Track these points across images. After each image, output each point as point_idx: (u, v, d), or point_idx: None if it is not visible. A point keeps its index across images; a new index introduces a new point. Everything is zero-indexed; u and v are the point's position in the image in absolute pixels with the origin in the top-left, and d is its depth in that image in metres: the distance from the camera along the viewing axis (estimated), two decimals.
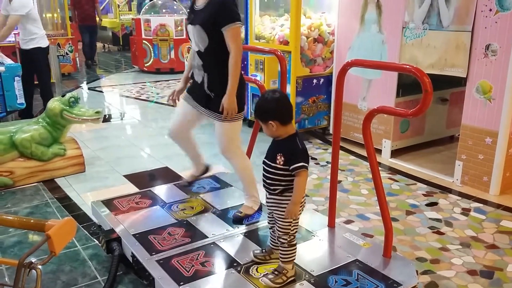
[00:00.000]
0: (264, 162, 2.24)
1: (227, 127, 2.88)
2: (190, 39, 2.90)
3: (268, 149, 2.25)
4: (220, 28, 2.68)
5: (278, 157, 2.14)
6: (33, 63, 5.46)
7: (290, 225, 2.23)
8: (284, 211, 2.18)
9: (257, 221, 2.94)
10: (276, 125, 2.14)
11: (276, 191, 2.20)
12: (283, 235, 2.24)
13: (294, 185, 2.14)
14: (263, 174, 2.25)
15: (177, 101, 3.17)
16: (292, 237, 2.26)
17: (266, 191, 2.27)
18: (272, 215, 2.29)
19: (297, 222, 2.27)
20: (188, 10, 2.95)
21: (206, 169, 3.46)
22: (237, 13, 2.73)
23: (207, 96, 2.88)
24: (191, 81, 3.07)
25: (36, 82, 5.87)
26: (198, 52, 2.83)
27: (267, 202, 2.30)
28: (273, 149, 2.21)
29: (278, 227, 2.24)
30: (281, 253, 2.30)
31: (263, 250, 2.48)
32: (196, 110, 3.01)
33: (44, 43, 5.66)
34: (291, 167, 2.11)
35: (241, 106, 2.86)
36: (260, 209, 3.03)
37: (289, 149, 2.14)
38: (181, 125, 3.11)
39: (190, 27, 2.83)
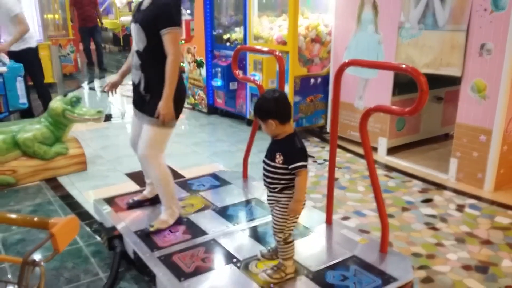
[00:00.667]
0: (264, 161, 2.27)
1: (156, 131, 2.72)
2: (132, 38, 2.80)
3: (268, 148, 2.29)
4: (158, 30, 2.59)
5: (277, 156, 2.17)
6: (26, 64, 5.13)
7: (285, 223, 2.25)
8: (282, 208, 2.22)
9: (256, 218, 2.97)
10: (275, 124, 2.17)
11: (276, 189, 2.23)
12: (278, 233, 2.27)
13: (295, 184, 2.17)
14: (263, 172, 2.28)
15: (112, 92, 3.07)
16: (287, 234, 2.28)
17: (267, 189, 2.30)
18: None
19: (295, 222, 2.30)
20: (134, 9, 2.85)
21: (157, 197, 3.02)
22: (178, 18, 2.65)
23: (142, 97, 2.76)
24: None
25: (30, 83, 5.67)
26: (137, 52, 2.72)
27: (267, 199, 2.33)
28: (272, 148, 2.24)
29: (274, 224, 2.27)
30: (279, 251, 2.33)
31: (270, 249, 2.50)
32: (140, 120, 2.85)
33: (33, 42, 5.50)
34: (290, 167, 2.14)
35: (176, 114, 2.73)
36: (178, 223, 2.86)
37: (287, 149, 2.17)
38: (133, 136, 2.97)
39: (132, 25, 2.73)
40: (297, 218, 2.31)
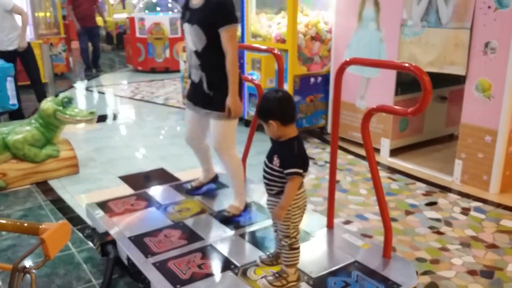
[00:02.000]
0: (264, 162, 2.23)
1: (224, 125, 2.87)
2: (185, 39, 2.87)
3: (269, 149, 2.24)
4: (217, 28, 2.67)
5: (275, 159, 2.13)
6: (23, 62, 5.25)
7: (289, 228, 2.19)
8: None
9: (254, 223, 2.91)
10: (276, 125, 2.10)
11: (273, 192, 2.19)
12: (284, 238, 2.21)
13: (284, 189, 2.11)
14: (263, 174, 2.23)
15: None
16: (294, 239, 2.22)
17: (266, 191, 2.26)
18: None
19: (297, 225, 2.23)
20: (182, 8, 2.92)
21: (214, 178, 3.41)
22: (235, 15, 2.73)
23: (206, 95, 2.86)
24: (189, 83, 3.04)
25: (21, 83, 5.70)
26: (196, 52, 2.81)
27: (267, 203, 2.28)
28: (272, 150, 2.20)
29: (280, 230, 2.22)
30: (283, 256, 2.26)
31: (269, 255, 2.44)
32: (199, 114, 2.98)
33: (26, 38, 5.56)
34: (285, 172, 2.09)
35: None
36: (245, 209, 3.04)
37: (285, 153, 2.12)
38: (192, 131, 3.11)
39: (186, 25, 2.79)
40: (298, 222, 2.24)
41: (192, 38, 2.77)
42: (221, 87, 2.76)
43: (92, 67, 10.01)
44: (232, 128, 2.92)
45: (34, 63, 5.93)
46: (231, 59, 2.71)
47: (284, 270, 2.25)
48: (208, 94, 2.85)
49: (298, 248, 2.26)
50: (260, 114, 2.16)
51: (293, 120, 2.16)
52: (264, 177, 2.21)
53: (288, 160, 2.10)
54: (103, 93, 8.21)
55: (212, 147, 2.99)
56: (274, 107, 2.12)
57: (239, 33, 5.72)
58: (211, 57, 2.76)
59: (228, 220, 2.91)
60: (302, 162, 2.11)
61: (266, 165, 2.19)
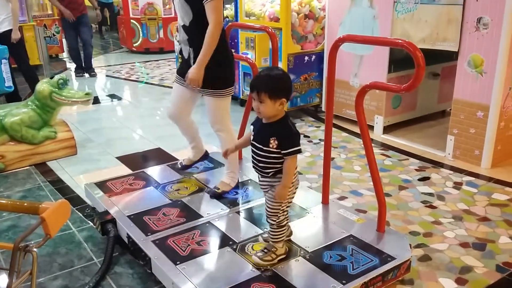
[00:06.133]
0: (253, 145, 2.20)
1: (217, 101, 2.87)
2: (177, 13, 2.86)
3: (256, 132, 2.20)
4: (202, 1, 2.64)
5: (272, 141, 2.10)
6: (9, 46, 4.99)
7: (280, 207, 2.23)
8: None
9: (251, 200, 2.95)
10: (284, 103, 2.09)
11: (269, 174, 2.19)
12: (272, 216, 2.24)
13: (284, 168, 2.12)
14: (252, 156, 2.21)
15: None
16: (281, 217, 2.26)
17: (258, 173, 2.25)
18: None
19: (289, 206, 2.27)
20: None
21: (205, 155, 3.42)
22: None
23: None
24: (180, 59, 3.03)
25: (15, 66, 5.52)
26: (183, 26, 2.80)
27: (260, 184, 2.29)
28: (264, 132, 2.15)
29: (268, 208, 2.24)
30: (270, 234, 2.31)
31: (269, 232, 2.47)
32: (187, 89, 2.96)
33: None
34: (284, 152, 2.09)
35: (231, 81, 2.89)
36: (237, 186, 3.07)
37: (283, 133, 2.11)
38: (177, 106, 3.08)
39: (175, 0, 2.79)
40: (291, 201, 2.28)
41: (180, 13, 2.76)
42: (209, 63, 2.71)
43: (84, 71, 7.82)
44: (225, 104, 2.91)
45: (24, 52, 5.74)
46: (211, 29, 2.65)
47: (272, 245, 2.30)
48: None
49: (285, 225, 2.30)
50: (272, 90, 2.06)
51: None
52: (258, 161, 2.18)
53: (288, 139, 2.09)
54: (98, 74, 8.13)
55: (210, 124, 3.00)
56: (288, 85, 2.11)
57: (232, 12, 5.69)
58: (198, 32, 2.71)
59: (218, 196, 2.96)
60: (299, 139, 2.13)
61: (259, 149, 2.15)
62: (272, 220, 2.25)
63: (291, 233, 2.49)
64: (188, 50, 2.84)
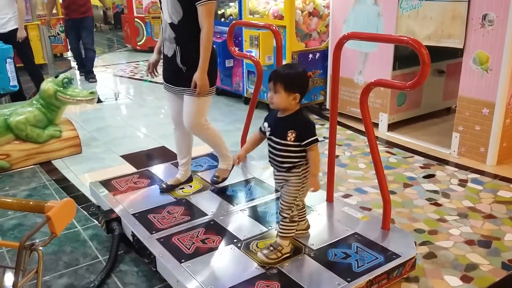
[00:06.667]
0: (270, 139, 2.24)
1: (197, 102, 2.81)
2: (162, 10, 2.80)
3: (272, 126, 2.24)
4: (194, 2, 2.63)
5: (289, 134, 2.15)
6: (15, 46, 5.02)
7: (294, 201, 2.25)
8: (291, 187, 2.22)
9: (256, 198, 2.95)
10: (297, 98, 2.16)
11: (284, 168, 2.22)
12: (286, 210, 2.26)
13: (309, 159, 2.18)
14: (270, 151, 2.25)
15: (155, 73, 3.06)
16: (295, 212, 2.28)
17: (274, 168, 2.28)
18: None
19: (304, 196, 2.32)
20: None
21: (190, 178, 3.18)
22: None
23: (178, 70, 2.80)
24: (162, 60, 2.95)
25: (20, 65, 5.54)
26: (171, 24, 2.74)
27: (275, 178, 2.31)
28: (281, 126, 2.20)
29: (283, 202, 2.26)
30: (280, 228, 2.31)
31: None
32: (173, 93, 2.92)
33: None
34: (304, 143, 2.14)
35: (212, 81, 2.81)
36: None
37: (301, 125, 2.17)
38: (174, 111, 3.01)
39: None
40: (305, 195, 2.32)
41: (168, 10, 2.71)
42: (194, 62, 2.69)
43: (86, 78, 7.41)
44: (205, 104, 2.86)
45: (30, 51, 5.79)
46: (206, 33, 2.65)
47: (278, 243, 2.30)
48: (181, 69, 2.79)
49: (297, 221, 2.32)
50: (288, 84, 2.13)
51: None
52: (277, 155, 2.21)
53: (306, 130, 2.15)
54: (103, 73, 8.15)
55: (186, 126, 2.90)
56: (304, 82, 2.17)
57: (236, 10, 5.69)
58: (187, 30, 2.70)
59: (218, 183, 3.06)
60: (315, 129, 2.19)
61: (277, 143, 2.19)
62: (286, 213, 2.27)
63: (308, 226, 2.54)
64: (174, 48, 2.78)
